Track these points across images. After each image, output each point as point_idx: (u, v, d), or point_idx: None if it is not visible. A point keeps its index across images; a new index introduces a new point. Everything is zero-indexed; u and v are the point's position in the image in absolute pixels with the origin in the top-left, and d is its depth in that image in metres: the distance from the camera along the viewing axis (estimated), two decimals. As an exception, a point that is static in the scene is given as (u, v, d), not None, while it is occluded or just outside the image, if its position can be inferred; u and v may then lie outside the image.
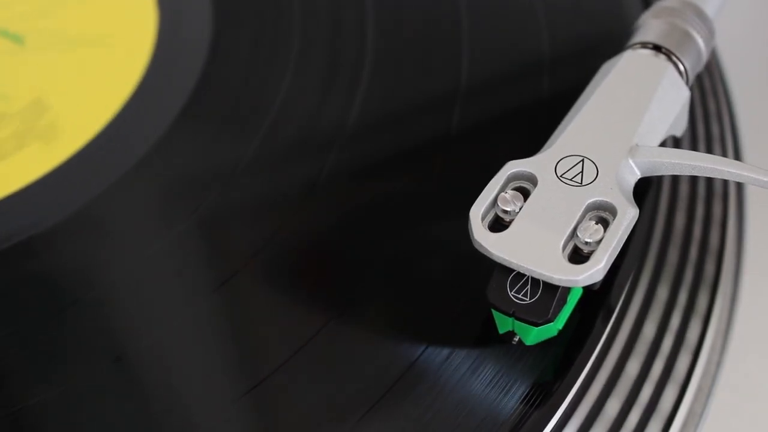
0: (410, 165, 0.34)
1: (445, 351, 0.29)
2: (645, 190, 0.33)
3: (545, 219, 0.28)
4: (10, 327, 0.31)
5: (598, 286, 0.28)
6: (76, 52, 0.40)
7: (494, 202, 0.28)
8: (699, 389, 0.32)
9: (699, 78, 0.38)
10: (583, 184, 0.28)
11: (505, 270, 0.28)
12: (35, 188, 0.35)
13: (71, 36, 0.40)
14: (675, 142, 0.35)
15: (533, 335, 0.28)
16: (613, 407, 0.30)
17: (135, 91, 0.38)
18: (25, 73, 0.39)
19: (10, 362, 0.31)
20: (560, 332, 0.29)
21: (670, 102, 0.31)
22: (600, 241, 0.27)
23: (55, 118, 0.37)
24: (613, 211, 0.28)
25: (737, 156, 0.39)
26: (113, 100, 0.38)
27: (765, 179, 0.29)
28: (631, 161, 0.29)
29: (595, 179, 0.28)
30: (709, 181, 0.36)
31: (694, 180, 0.36)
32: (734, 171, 0.29)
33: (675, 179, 0.35)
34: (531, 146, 0.30)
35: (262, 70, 0.38)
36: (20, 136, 0.37)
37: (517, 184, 0.29)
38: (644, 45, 0.32)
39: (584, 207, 0.28)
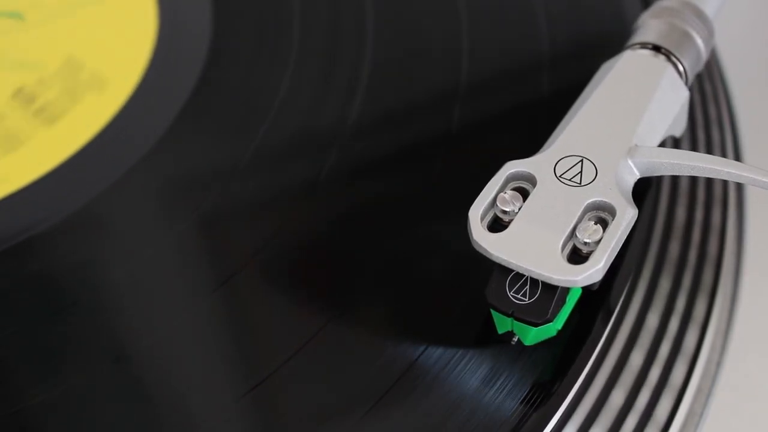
0: (410, 165, 0.34)
1: (445, 351, 0.29)
2: (644, 190, 0.33)
3: (544, 219, 0.28)
4: (10, 327, 0.31)
5: (597, 286, 0.28)
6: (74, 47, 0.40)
7: (493, 202, 0.28)
8: (699, 389, 0.32)
9: (699, 79, 0.38)
10: (582, 184, 0.28)
11: (504, 270, 0.28)
12: (35, 188, 0.35)
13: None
14: (674, 143, 0.35)
15: (532, 335, 0.28)
16: (611, 409, 0.30)
17: (135, 90, 0.38)
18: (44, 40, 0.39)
19: (10, 362, 0.31)
20: (559, 332, 0.29)
21: (669, 102, 0.31)
22: (599, 241, 0.27)
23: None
24: (612, 212, 0.28)
25: (737, 157, 0.39)
26: (112, 98, 0.38)
27: (765, 180, 0.28)
28: (630, 161, 0.29)
29: (594, 179, 0.28)
30: (709, 180, 0.36)
31: (693, 181, 0.36)
32: (734, 171, 0.29)
33: (674, 180, 0.35)
34: (530, 146, 0.30)
35: (262, 70, 0.38)
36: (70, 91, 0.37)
37: (516, 184, 0.29)
38: (643, 45, 0.32)
39: (583, 207, 0.28)
